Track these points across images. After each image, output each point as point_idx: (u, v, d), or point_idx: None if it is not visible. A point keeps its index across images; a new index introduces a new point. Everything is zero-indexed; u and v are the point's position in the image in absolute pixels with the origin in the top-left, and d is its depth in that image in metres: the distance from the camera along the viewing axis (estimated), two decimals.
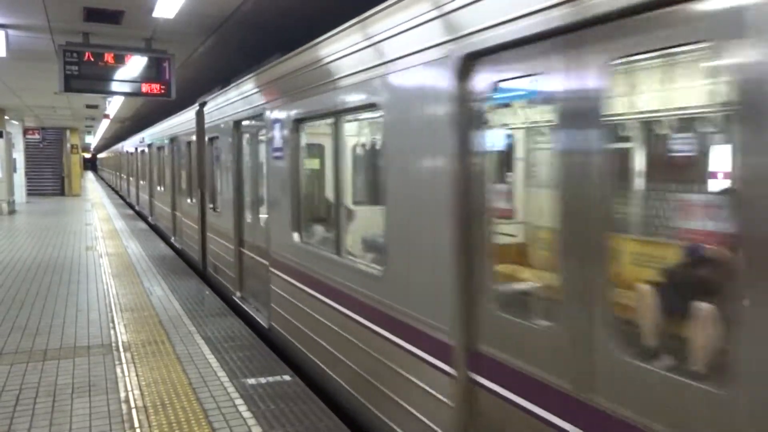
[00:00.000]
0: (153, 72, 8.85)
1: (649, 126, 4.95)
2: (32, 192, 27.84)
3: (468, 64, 3.06)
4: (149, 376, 5.25)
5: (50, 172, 31.09)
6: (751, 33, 1.83)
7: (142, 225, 17.50)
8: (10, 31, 8.47)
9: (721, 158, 4.27)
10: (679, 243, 4.23)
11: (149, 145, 17.63)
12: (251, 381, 5.15)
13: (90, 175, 61.76)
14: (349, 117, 4.90)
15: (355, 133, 6.26)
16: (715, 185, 4.28)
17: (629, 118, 4.83)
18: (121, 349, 5.97)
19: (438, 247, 3.31)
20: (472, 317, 3.10)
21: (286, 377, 5.25)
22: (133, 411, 4.52)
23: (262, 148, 6.95)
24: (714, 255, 3.35)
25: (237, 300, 7.96)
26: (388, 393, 3.93)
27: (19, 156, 24.96)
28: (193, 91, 12.53)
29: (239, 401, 4.72)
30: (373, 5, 4.07)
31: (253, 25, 8.13)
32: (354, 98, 4.39)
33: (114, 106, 18.57)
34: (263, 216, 6.95)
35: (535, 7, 2.58)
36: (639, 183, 5.04)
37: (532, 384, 2.72)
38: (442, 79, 3.24)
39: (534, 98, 4.37)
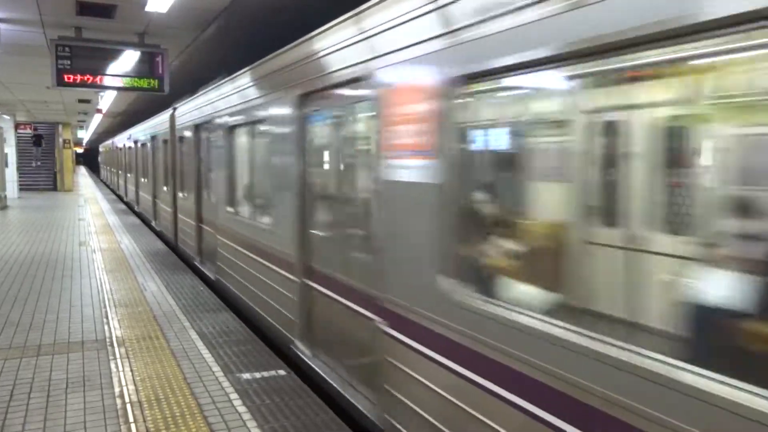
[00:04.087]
0: (146, 66, 8.82)
1: None
2: (24, 187, 27.68)
3: None
4: (144, 371, 5.25)
5: (42, 167, 30.92)
6: None
7: (135, 220, 17.44)
8: (2, 25, 8.42)
9: None
10: None
11: (177, 128, 12.18)
12: (246, 376, 5.16)
13: (82, 170, 61.36)
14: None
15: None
16: None
17: None
18: (116, 345, 5.96)
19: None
20: None
21: (281, 372, 5.26)
22: (128, 406, 4.52)
23: None
24: None
25: None
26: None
27: (10, 151, 24.82)
28: (188, 86, 12.48)
29: (234, 396, 4.73)
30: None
31: (247, 19, 8.10)
32: None
33: (107, 100, 18.48)
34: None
35: None
36: None
37: None
38: None
39: None
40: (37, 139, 29.42)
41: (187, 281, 8.99)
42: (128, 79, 8.78)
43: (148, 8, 7.53)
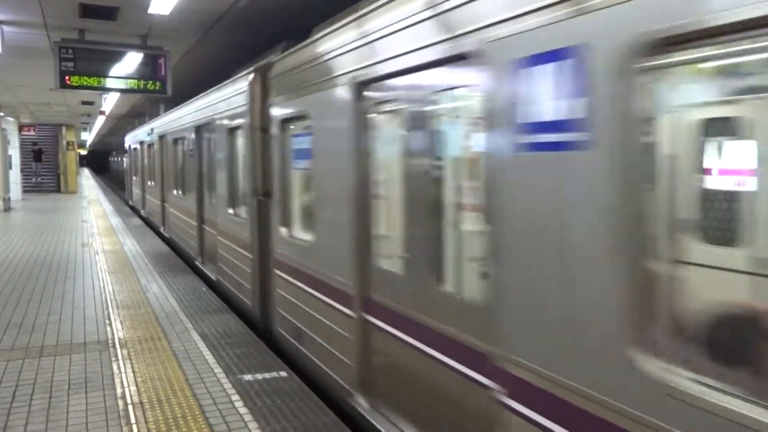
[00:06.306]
0: (149, 68, 8.84)
1: None
2: (28, 189, 27.74)
3: None
4: (146, 372, 5.26)
5: (46, 169, 30.97)
6: None
7: (138, 221, 17.47)
8: (6, 27, 8.45)
9: None
10: None
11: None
12: (248, 377, 5.16)
13: (86, 172, 61.32)
14: None
15: None
16: None
17: None
18: (118, 346, 5.98)
19: None
20: None
21: (283, 374, 5.26)
22: (130, 407, 4.53)
23: None
24: None
25: None
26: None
27: (14, 153, 24.89)
28: (190, 88, 12.51)
29: (236, 398, 4.73)
30: None
31: (249, 21, 8.12)
32: None
33: (110, 102, 18.51)
34: None
35: None
36: None
37: None
38: None
39: None
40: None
41: (190, 283, 9.00)
42: (131, 81, 8.81)
43: (151, 10, 7.55)
